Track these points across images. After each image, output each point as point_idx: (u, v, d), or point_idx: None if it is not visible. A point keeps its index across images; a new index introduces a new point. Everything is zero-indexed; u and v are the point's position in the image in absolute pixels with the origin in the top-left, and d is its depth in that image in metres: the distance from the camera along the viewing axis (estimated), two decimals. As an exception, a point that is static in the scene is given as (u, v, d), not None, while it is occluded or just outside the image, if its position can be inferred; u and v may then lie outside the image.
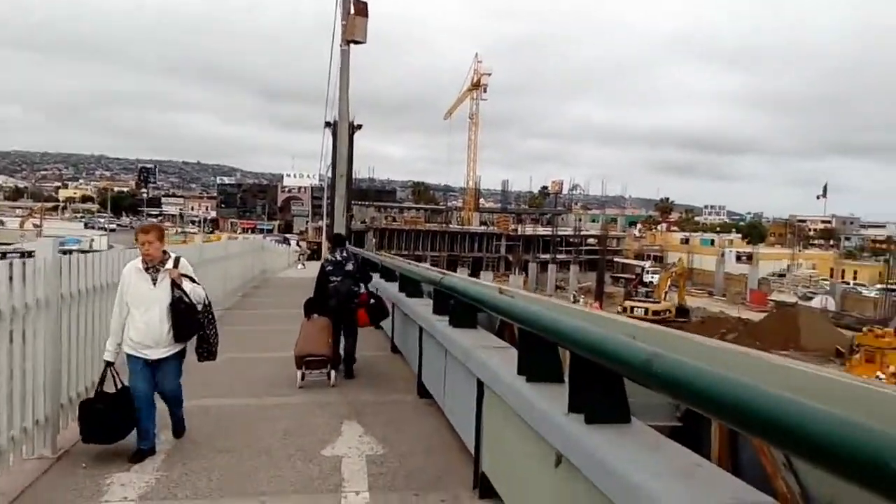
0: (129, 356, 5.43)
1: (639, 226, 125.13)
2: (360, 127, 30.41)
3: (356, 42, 21.87)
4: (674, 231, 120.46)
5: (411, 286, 9.00)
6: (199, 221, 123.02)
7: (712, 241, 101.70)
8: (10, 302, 4.82)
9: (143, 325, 5.35)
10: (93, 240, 59.72)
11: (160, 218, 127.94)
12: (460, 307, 5.86)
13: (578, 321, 3.26)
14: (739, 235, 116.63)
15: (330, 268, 8.80)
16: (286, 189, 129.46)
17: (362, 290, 8.92)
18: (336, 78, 22.70)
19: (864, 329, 39.38)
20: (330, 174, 30.63)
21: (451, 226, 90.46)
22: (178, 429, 5.84)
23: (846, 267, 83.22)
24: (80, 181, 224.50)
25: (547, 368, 3.66)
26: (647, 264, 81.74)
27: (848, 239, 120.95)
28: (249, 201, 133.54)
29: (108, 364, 5.43)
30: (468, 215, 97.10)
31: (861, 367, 32.31)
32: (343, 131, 24.14)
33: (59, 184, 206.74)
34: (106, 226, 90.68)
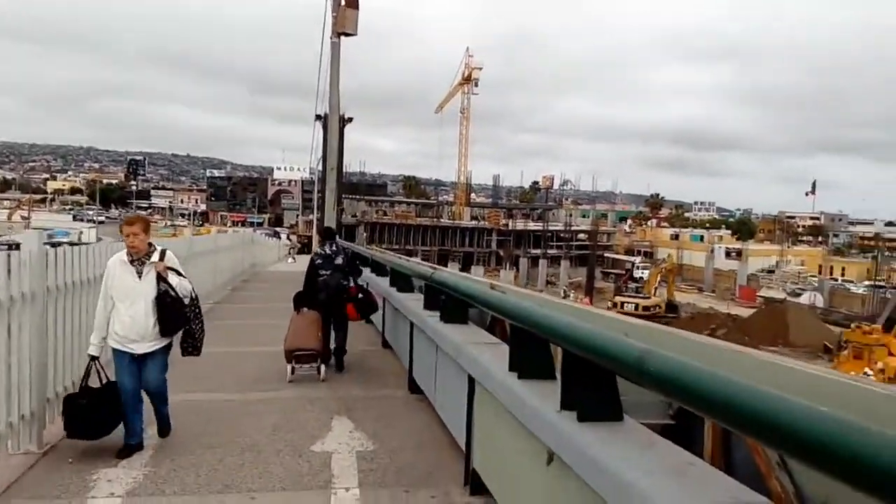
0: (115, 351, 5.34)
1: (629, 221, 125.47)
2: (350, 120, 30.29)
3: (347, 34, 21.76)
4: (664, 227, 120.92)
5: (402, 281, 8.96)
6: (189, 214, 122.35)
7: (702, 238, 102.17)
8: (-5, 295, 4.76)
9: (128, 319, 5.26)
10: (81, 232, 59.37)
11: (149, 210, 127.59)
12: (451, 302, 5.83)
13: (571, 318, 3.23)
14: (729, 232, 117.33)
15: (319, 261, 8.77)
16: (276, 182, 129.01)
17: (352, 284, 8.88)
18: (327, 71, 22.60)
19: (853, 325, 39.55)
20: (320, 167, 30.54)
21: (442, 220, 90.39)
22: (164, 427, 5.71)
23: (834, 264, 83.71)
24: (69, 173, 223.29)
25: (539, 365, 3.64)
26: (637, 260, 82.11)
27: (836, 236, 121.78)
28: (239, 194, 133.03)
29: (93, 358, 5.34)
30: (459, 210, 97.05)
31: (849, 364, 32.51)
32: (333, 124, 24.01)
33: (47, 175, 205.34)
34: (94, 218, 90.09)
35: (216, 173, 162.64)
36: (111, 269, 5.36)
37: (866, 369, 30.17)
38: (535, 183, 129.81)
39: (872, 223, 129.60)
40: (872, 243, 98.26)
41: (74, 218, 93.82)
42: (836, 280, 74.54)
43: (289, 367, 7.95)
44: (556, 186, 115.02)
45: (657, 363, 2.23)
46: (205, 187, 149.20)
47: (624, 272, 74.89)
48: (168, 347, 5.50)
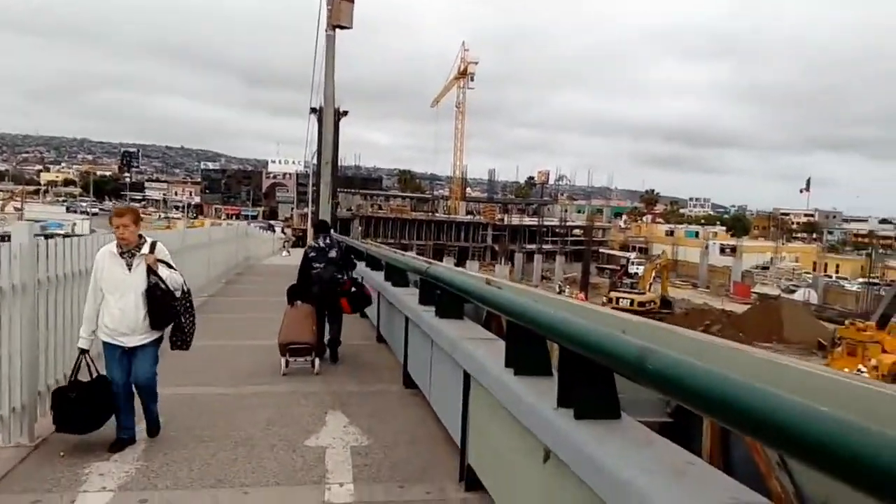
0: (105, 344, 5.28)
1: (624, 217, 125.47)
2: (345, 113, 30.21)
3: (342, 27, 21.70)
4: (659, 223, 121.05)
5: (397, 275, 8.93)
6: (183, 207, 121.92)
7: (697, 234, 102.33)
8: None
9: (118, 312, 5.18)
10: (75, 223, 59.12)
11: (143, 203, 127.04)
12: (447, 297, 5.80)
13: (568, 314, 3.20)
14: (724, 228, 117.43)
15: (313, 254, 8.75)
16: (271, 175, 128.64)
17: (345, 277, 8.85)
18: (322, 63, 22.51)
19: (846, 322, 39.65)
20: (315, 161, 30.44)
21: (437, 215, 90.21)
22: (153, 427, 5.55)
23: (829, 260, 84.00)
24: (62, 164, 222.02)
25: (535, 361, 3.61)
26: (632, 255, 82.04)
27: (830, 233, 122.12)
28: (234, 187, 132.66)
29: (83, 352, 5.26)
30: (455, 204, 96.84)
31: (843, 360, 32.58)
32: (328, 118, 23.93)
33: (40, 167, 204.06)
34: (88, 210, 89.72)
35: (210, 166, 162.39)
36: (100, 261, 5.28)
37: (860, 366, 30.25)
38: (531, 178, 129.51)
39: (867, 220, 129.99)
40: (867, 241, 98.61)
41: (68, 209, 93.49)
42: (831, 277, 74.77)
43: (283, 360, 7.92)
44: (551, 181, 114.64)
45: (658, 362, 2.20)
46: (199, 180, 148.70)
47: (619, 268, 74.90)
48: (159, 341, 5.42)
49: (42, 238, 5.88)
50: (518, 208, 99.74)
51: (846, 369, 24.00)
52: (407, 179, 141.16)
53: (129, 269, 5.22)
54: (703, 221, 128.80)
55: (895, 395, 2.35)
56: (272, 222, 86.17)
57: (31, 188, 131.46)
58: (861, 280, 66.84)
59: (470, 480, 4.50)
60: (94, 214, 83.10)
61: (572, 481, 2.62)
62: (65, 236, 6.95)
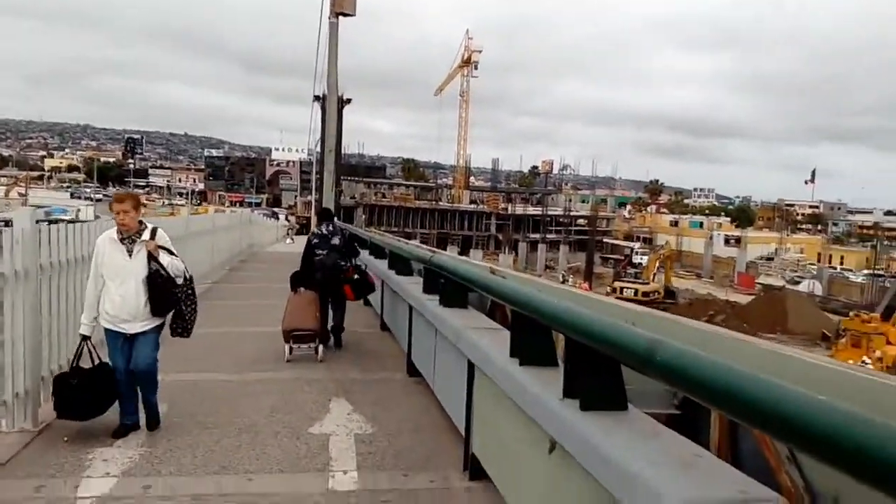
0: (107, 331, 5.25)
1: (628, 207, 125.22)
2: (349, 101, 30.15)
3: (345, 14, 21.50)
4: (663, 213, 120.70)
5: (401, 264, 8.91)
6: (187, 193, 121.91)
7: (701, 224, 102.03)
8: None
9: (118, 298, 5.14)
10: (79, 209, 59.14)
11: (147, 189, 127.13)
12: (451, 286, 5.77)
13: (574, 304, 3.17)
14: (728, 219, 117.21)
15: (316, 241, 8.76)
16: (275, 163, 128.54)
17: (349, 264, 8.84)
18: (325, 51, 22.37)
19: (851, 314, 39.54)
20: (319, 148, 30.35)
21: (440, 203, 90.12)
22: (152, 420, 5.43)
23: (833, 252, 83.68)
24: (66, 150, 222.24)
25: (540, 351, 3.58)
26: (636, 245, 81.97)
27: (835, 224, 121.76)
28: (237, 174, 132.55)
29: (84, 338, 5.25)
30: (458, 193, 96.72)
31: (847, 352, 32.51)
32: (332, 105, 23.81)
33: (44, 153, 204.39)
34: (92, 196, 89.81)
35: (214, 153, 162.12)
36: (100, 246, 5.23)
37: (864, 358, 30.19)
38: (535, 167, 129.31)
39: (871, 212, 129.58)
40: (871, 232, 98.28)
41: (72, 195, 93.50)
42: (835, 268, 74.53)
43: (286, 346, 7.92)
44: (555, 171, 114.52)
45: (667, 354, 2.17)
46: (203, 167, 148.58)
47: (623, 258, 74.80)
48: (160, 327, 5.38)
49: (45, 223, 5.86)
50: (522, 198, 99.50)
51: (850, 361, 23.94)
52: (410, 168, 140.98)
53: (130, 256, 5.18)
54: (707, 212, 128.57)
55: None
56: (276, 209, 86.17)
57: (35, 174, 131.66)
58: (866, 271, 66.67)
59: (474, 469, 4.49)
60: (98, 200, 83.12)
61: (578, 472, 2.60)
62: (69, 222, 6.93)
